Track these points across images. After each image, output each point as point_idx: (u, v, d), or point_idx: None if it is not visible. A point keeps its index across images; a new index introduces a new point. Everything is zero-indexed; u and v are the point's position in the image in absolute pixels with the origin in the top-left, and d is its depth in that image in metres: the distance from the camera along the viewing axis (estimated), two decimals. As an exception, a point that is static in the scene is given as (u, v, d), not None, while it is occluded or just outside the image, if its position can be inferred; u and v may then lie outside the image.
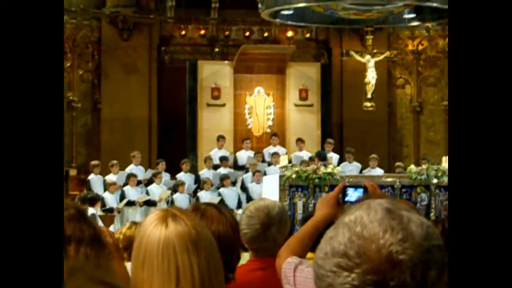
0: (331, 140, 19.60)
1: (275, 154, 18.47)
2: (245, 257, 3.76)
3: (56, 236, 2.23)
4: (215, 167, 18.80)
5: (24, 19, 2.08)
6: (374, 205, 1.54)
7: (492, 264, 2.06)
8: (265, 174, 17.95)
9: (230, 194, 17.81)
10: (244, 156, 19.28)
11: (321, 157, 17.80)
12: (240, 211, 15.38)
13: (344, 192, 3.61)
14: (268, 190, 16.62)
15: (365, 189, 3.64)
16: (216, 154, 19.24)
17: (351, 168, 18.45)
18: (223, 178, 17.91)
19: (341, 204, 3.57)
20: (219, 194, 17.67)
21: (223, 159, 18.77)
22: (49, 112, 2.12)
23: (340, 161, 18.74)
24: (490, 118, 2.23)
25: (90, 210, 14.38)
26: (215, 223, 3.12)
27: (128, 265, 2.99)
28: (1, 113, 2.06)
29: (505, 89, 2.22)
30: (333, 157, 18.70)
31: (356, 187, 3.67)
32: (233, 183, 18.23)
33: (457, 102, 2.28)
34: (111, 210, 17.21)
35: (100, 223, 13.60)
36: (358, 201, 3.47)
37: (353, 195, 3.62)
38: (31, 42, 2.11)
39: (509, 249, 2.06)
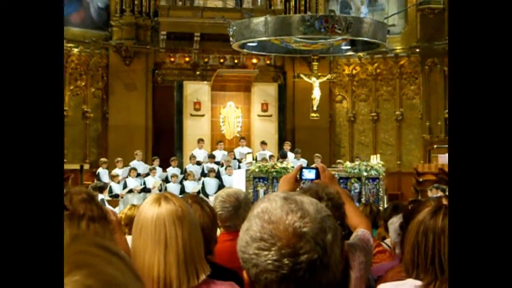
0: (288, 142, 19.71)
1: (244, 153, 18.48)
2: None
3: (56, 233, 1.97)
4: (198, 163, 18.79)
5: (24, 23, 1.62)
6: (273, 197, 1.55)
7: (492, 262, 1.84)
8: (236, 168, 17.95)
9: (211, 183, 17.79)
10: (219, 154, 19.26)
11: (282, 155, 17.93)
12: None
13: (301, 172, 3.59)
14: (237, 181, 16.61)
15: (317, 170, 3.63)
16: (197, 153, 19.22)
17: (300, 164, 18.43)
18: (210, 171, 17.92)
19: (298, 181, 3.56)
20: (202, 183, 17.69)
21: (210, 156, 18.79)
22: (51, 112, 1.76)
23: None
24: (489, 119, 1.91)
25: (100, 196, 14.27)
26: (198, 216, 3.09)
27: (129, 238, 2.97)
28: (3, 114, 1.69)
29: (505, 91, 1.90)
30: (290, 155, 18.76)
31: (310, 168, 3.67)
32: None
33: (457, 103, 1.95)
34: (116, 196, 17.10)
35: (108, 206, 13.50)
36: (313, 180, 3.51)
37: (307, 174, 3.59)
38: (32, 44, 1.67)
39: (509, 247, 1.84)
